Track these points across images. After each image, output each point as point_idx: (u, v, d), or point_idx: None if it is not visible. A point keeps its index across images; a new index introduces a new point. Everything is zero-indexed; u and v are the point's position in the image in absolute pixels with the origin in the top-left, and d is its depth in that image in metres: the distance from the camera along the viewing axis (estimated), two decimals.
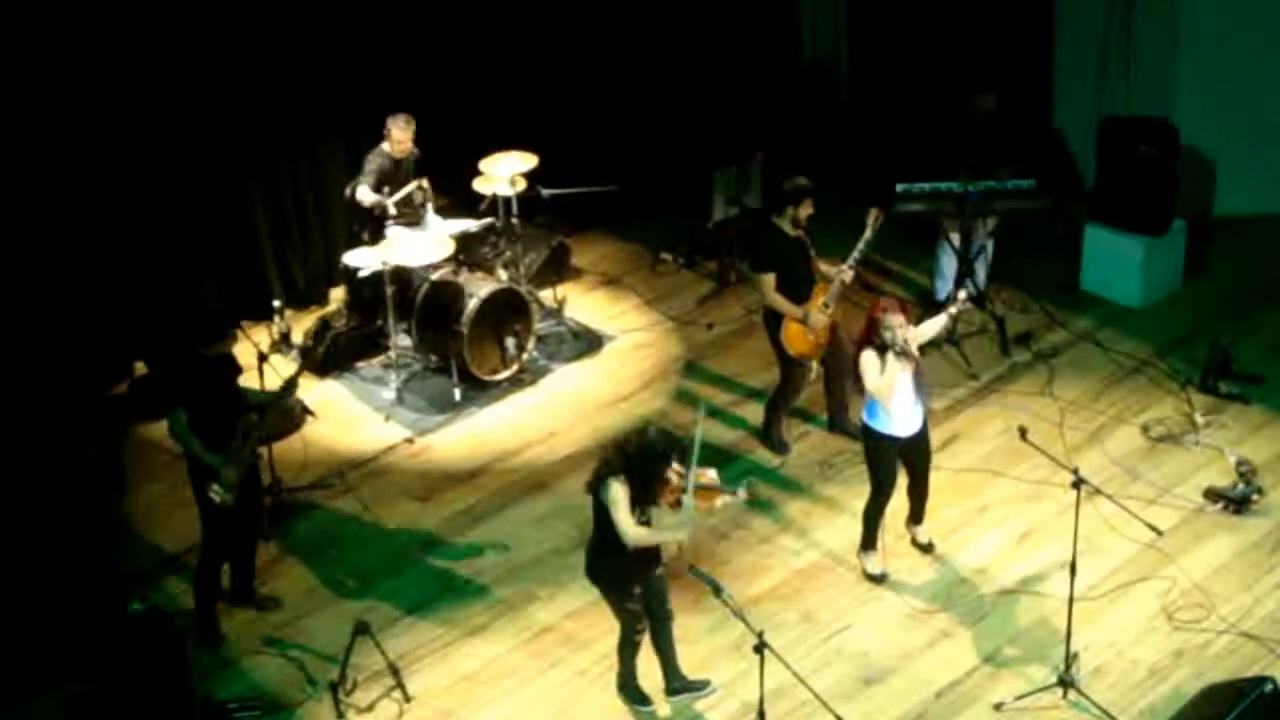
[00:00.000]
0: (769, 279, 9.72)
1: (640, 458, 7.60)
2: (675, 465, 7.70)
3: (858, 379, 8.76)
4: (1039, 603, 8.78)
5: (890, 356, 8.54)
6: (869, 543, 9.07)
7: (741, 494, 7.94)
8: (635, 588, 7.93)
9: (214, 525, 8.70)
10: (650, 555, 7.91)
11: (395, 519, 9.86)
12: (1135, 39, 12.40)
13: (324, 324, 11.46)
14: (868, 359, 8.62)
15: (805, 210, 9.69)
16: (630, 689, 8.28)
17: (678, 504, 7.68)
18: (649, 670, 8.30)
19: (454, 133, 11.85)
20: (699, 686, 8.31)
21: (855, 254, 9.82)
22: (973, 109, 11.15)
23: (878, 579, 9.03)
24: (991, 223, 11.27)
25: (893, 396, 8.59)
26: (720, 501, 7.89)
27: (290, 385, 8.97)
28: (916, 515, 9.22)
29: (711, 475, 7.92)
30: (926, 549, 9.21)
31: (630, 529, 7.63)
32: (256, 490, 8.97)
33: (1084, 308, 11.67)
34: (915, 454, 8.95)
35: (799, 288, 9.72)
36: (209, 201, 11.39)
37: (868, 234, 9.84)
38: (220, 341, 8.76)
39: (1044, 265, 12.07)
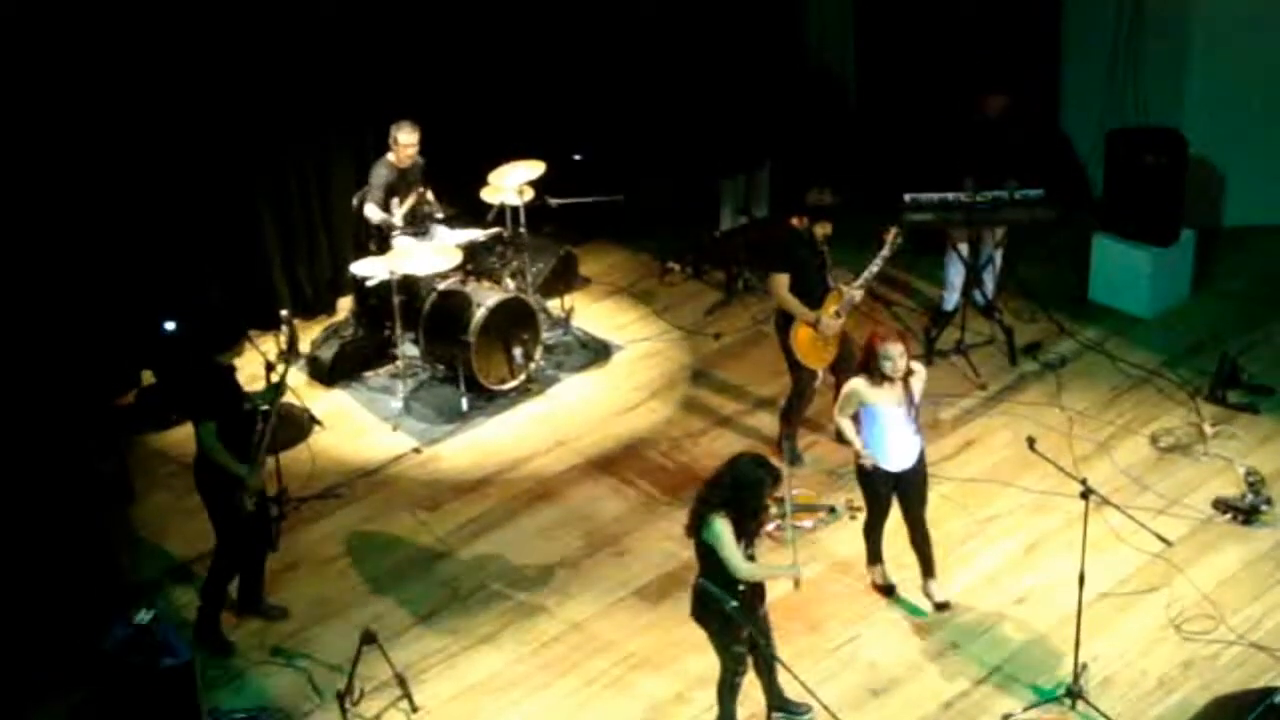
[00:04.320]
0: (783, 279, 9.68)
1: (737, 488, 7.40)
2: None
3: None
4: (1047, 613, 8.76)
5: (879, 388, 8.35)
6: (873, 557, 8.99)
7: (840, 509, 7.86)
8: (743, 630, 7.61)
9: (234, 537, 8.74)
10: (757, 595, 7.69)
11: (402, 529, 9.86)
12: (1143, 49, 12.39)
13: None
14: (852, 386, 8.45)
15: (821, 229, 9.65)
16: None
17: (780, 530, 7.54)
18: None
19: (461, 142, 11.85)
20: (801, 710, 8.12)
21: (868, 272, 9.79)
22: (981, 115, 11.11)
23: (886, 590, 8.97)
24: (1000, 233, 11.26)
25: (867, 432, 8.42)
26: (818, 520, 7.78)
27: (281, 381, 9.00)
28: (926, 568, 8.88)
29: (807, 495, 7.85)
30: (941, 607, 8.83)
31: (741, 564, 7.36)
32: (264, 498, 8.98)
33: (1092, 318, 11.66)
34: (908, 492, 8.65)
35: (812, 293, 9.68)
36: (216, 210, 11.40)
37: (885, 251, 9.81)
38: (230, 349, 8.81)
39: (1052, 275, 12.07)
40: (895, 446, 8.50)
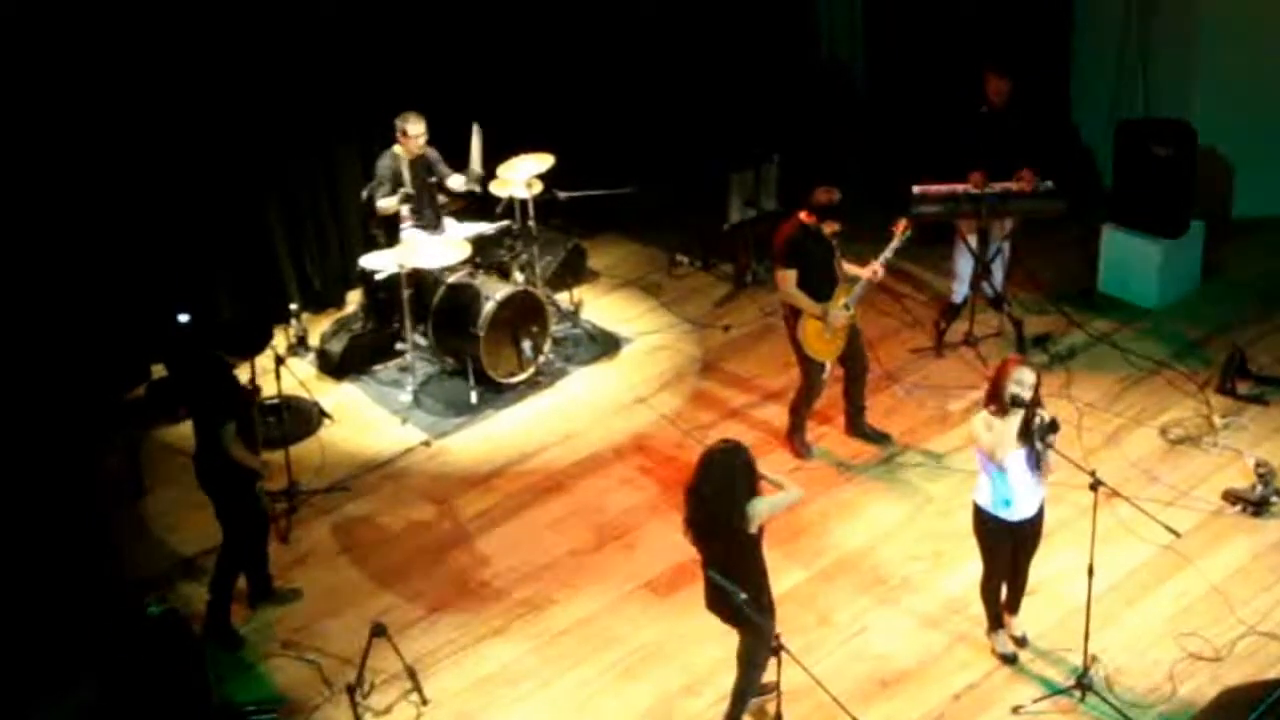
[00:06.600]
0: (790, 274, 9.70)
1: (748, 474, 7.43)
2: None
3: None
4: (1057, 605, 8.75)
5: (1002, 420, 7.84)
6: (993, 621, 8.49)
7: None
8: (773, 624, 7.59)
9: (247, 530, 8.80)
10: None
11: (411, 522, 9.87)
12: (1152, 40, 12.38)
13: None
14: (979, 420, 7.94)
15: (829, 227, 9.66)
16: None
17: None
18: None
19: (469, 136, 11.85)
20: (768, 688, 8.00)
21: (881, 260, 9.83)
22: (989, 106, 11.05)
23: (1008, 659, 8.41)
24: (1008, 224, 11.24)
25: (1006, 459, 7.84)
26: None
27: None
28: (1012, 605, 8.52)
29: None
30: (1020, 643, 8.49)
31: (789, 494, 7.63)
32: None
33: (1101, 309, 11.65)
34: (1024, 541, 8.22)
35: (821, 287, 9.71)
36: (225, 205, 11.41)
37: (894, 243, 9.83)
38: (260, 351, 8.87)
39: (1061, 267, 12.05)
40: (1018, 492, 7.98)
